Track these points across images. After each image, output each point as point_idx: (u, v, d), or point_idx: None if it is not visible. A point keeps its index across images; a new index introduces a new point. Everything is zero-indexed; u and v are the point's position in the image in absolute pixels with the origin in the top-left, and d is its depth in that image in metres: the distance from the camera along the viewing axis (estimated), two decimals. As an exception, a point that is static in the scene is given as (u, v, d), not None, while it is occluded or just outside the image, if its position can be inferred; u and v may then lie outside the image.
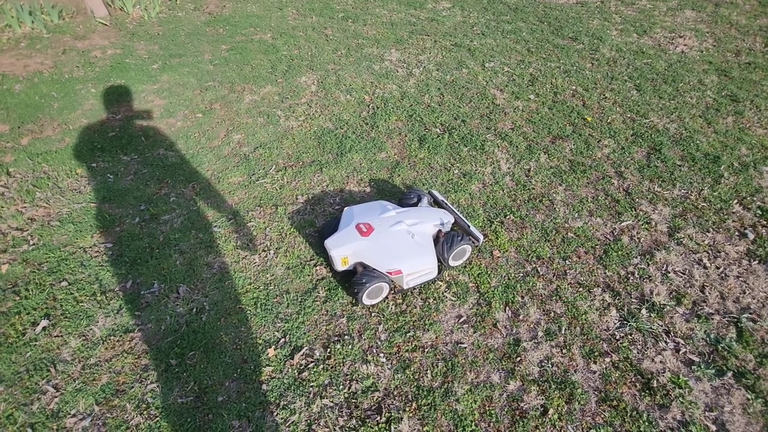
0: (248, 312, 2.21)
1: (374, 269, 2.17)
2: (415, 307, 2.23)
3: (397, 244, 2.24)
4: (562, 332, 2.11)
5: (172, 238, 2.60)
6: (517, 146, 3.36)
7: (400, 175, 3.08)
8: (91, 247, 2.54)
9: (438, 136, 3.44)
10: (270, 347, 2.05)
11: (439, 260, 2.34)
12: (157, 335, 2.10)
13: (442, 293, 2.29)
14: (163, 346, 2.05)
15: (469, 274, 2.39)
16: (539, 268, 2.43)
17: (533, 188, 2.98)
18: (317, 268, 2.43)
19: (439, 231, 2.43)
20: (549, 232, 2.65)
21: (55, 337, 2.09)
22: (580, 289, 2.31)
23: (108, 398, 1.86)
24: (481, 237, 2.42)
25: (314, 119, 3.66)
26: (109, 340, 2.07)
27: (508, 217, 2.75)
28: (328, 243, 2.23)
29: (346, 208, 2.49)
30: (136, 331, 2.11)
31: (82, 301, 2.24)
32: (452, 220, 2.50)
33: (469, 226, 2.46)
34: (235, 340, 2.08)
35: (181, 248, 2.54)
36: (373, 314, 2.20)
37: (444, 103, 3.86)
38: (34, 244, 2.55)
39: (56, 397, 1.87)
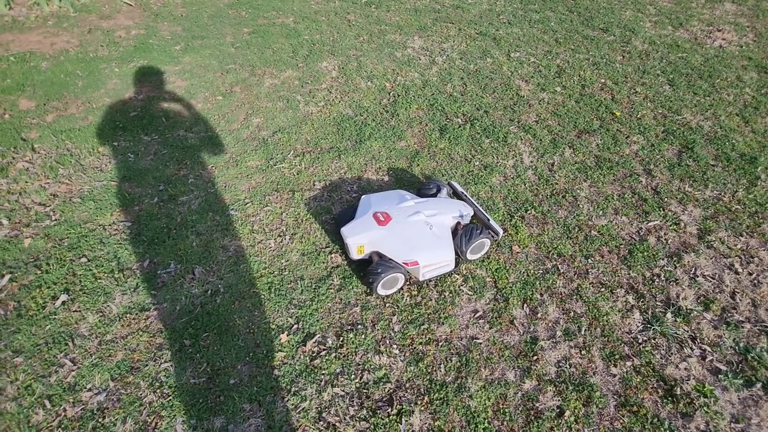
0: (262, 296, 2.20)
1: (390, 259, 2.13)
2: (431, 300, 2.18)
3: (414, 235, 2.19)
4: (582, 333, 2.04)
5: (190, 220, 2.61)
6: (541, 139, 3.25)
7: (420, 164, 3.02)
8: (110, 225, 2.56)
9: (459, 127, 3.36)
10: (283, 333, 2.04)
11: (456, 253, 2.28)
12: (172, 315, 2.11)
13: (459, 287, 2.24)
14: (177, 326, 2.06)
15: (486, 269, 2.33)
16: (560, 266, 2.35)
17: (556, 183, 2.88)
18: (332, 255, 2.40)
19: (458, 223, 2.37)
20: (571, 229, 2.56)
21: (73, 311, 2.12)
22: (602, 290, 2.24)
23: (123, 375, 1.88)
24: (501, 231, 2.36)
25: (334, 105, 3.61)
26: (126, 317, 2.09)
27: (529, 212, 2.67)
28: (345, 230, 2.20)
29: (363, 197, 2.45)
30: (151, 309, 2.13)
31: (100, 277, 2.27)
32: (471, 213, 2.44)
33: (488, 220, 2.40)
34: (248, 324, 2.08)
35: (198, 230, 2.55)
36: (387, 305, 2.16)
37: (466, 93, 3.77)
38: (56, 220, 2.58)
39: (73, 370, 1.89)
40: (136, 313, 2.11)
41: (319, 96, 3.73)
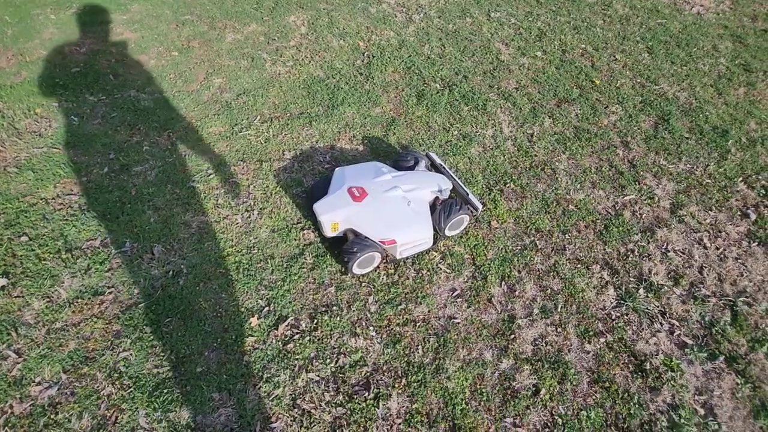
0: (230, 277, 2.06)
1: (366, 237, 2.02)
2: (408, 278, 2.12)
3: (391, 212, 2.08)
4: (558, 310, 2.05)
5: (146, 192, 2.38)
6: (521, 108, 3.15)
7: (396, 133, 2.87)
8: (54, 199, 2.30)
9: (437, 93, 3.19)
10: (253, 316, 1.93)
11: (434, 229, 2.20)
12: (130, 299, 1.95)
13: (437, 264, 2.18)
14: (136, 312, 1.90)
15: (465, 245, 2.27)
16: (538, 242, 2.32)
17: (536, 155, 2.81)
18: (304, 232, 2.27)
19: (437, 198, 2.27)
20: (550, 203, 2.52)
21: (15, 297, 1.91)
22: (579, 266, 2.23)
23: (76, 366, 1.74)
24: (480, 206, 2.28)
25: (303, 66, 3.34)
26: (77, 302, 1.91)
27: (508, 185, 2.60)
28: (318, 207, 2.06)
29: (337, 169, 2.30)
30: (106, 293, 1.96)
31: (45, 258, 2.05)
32: (450, 187, 2.34)
33: (468, 194, 2.31)
34: (215, 307, 1.95)
35: (156, 204, 2.33)
36: (363, 284, 2.08)
37: (445, 56, 3.57)
38: (-12, 193, 2.30)
39: (18, 363, 1.73)
40: (89, 298, 1.93)
41: (287, 55, 3.43)
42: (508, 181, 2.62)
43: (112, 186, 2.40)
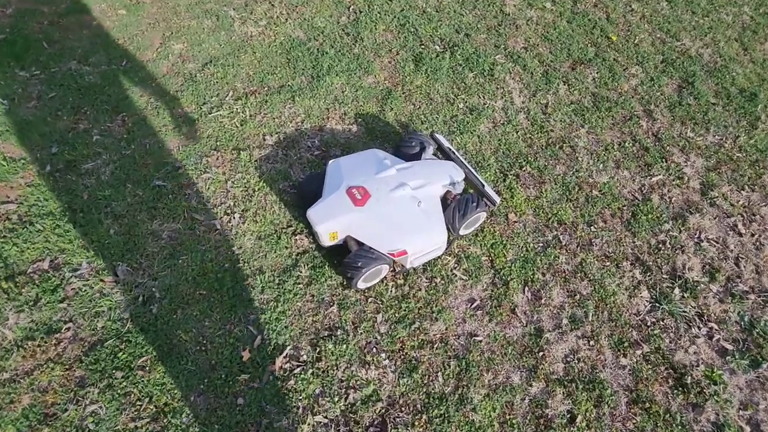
0: (212, 300, 1.75)
1: (371, 248, 1.71)
2: (420, 289, 1.85)
3: (400, 216, 1.77)
4: (589, 319, 1.83)
5: (101, 196, 1.99)
6: (532, 72, 2.77)
7: (393, 108, 2.48)
8: (-14, 209, 1.89)
9: (437, 56, 2.77)
10: (244, 349, 1.64)
11: (447, 227, 1.90)
12: (93, 335, 1.63)
13: (451, 271, 1.91)
14: (102, 352, 1.59)
15: (481, 245, 2.00)
16: (561, 237, 2.07)
17: (552, 130, 2.49)
18: (297, 237, 1.94)
19: (448, 192, 1.96)
20: (571, 189, 2.24)
21: (-52, 342, 1.57)
22: (607, 263, 2.00)
23: (34, 426, 1.45)
24: (498, 199, 1.99)
25: (279, 25, 2.83)
26: (27, 345, 1.58)
27: (524, 168, 2.30)
28: (313, 215, 1.73)
29: (331, 162, 1.94)
30: (63, 330, 1.63)
31: (-18, 289, 1.69)
32: (463, 177, 2.02)
33: (483, 185, 2.00)
34: (197, 339, 1.65)
35: (115, 210, 1.95)
36: (369, 299, 1.81)
37: (443, 9, 3.09)
38: None
39: (-39, 428, 1.43)
40: (42, 338, 1.61)
41: (258, 12, 2.90)
42: (524, 163, 2.31)
43: (57, 189, 1.99)
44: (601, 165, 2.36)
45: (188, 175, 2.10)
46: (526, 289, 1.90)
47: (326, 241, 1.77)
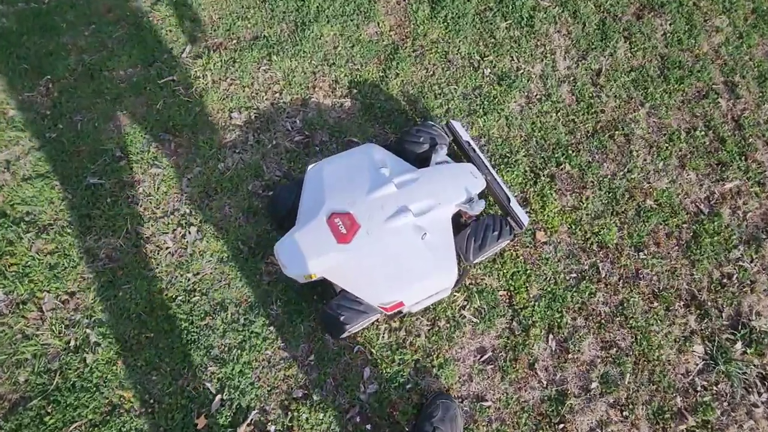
0: (162, 345, 1.42)
1: (358, 299, 1.32)
2: (419, 335, 1.50)
3: (397, 256, 1.34)
4: (625, 381, 1.49)
5: (17, 199, 1.56)
6: (584, 22, 2.11)
7: (400, 73, 1.91)
8: None
9: (462, -4, 2.09)
10: (199, 414, 1.35)
11: (457, 254, 1.48)
12: (14, 392, 1.33)
13: (459, 311, 1.53)
14: (25, 416, 1.31)
15: (499, 275, 1.60)
16: (601, 265, 1.65)
17: (602, 110, 1.93)
18: (268, 262, 1.55)
19: (464, 211, 1.51)
20: (620, 196, 1.76)
21: None
22: (655, 305, 1.61)
23: None
24: (526, 222, 1.54)
25: (253, -56, 2.12)
26: (-67, 404, 1.30)
27: (562, 166, 1.80)
28: (281, 254, 1.31)
29: (311, 169, 1.47)
30: (-23, 385, 1.33)
31: None
32: (483, 186, 1.54)
33: (509, 201, 1.54)
34: (143, 398, 1.36)
35: (38, 220, 1.54)
36: (356, 348, 1.47)
37: None
38: None
39: None
40: (-49, 396, 1.31)
41: None
42: (563, 158, 1.81)
43: (-34, 187, 1.56)
44: (662, 163, 1.85)
45: (132, 168, 1.65)
46: (551, 337, 1.53)
47: (300, 280, 1.37)
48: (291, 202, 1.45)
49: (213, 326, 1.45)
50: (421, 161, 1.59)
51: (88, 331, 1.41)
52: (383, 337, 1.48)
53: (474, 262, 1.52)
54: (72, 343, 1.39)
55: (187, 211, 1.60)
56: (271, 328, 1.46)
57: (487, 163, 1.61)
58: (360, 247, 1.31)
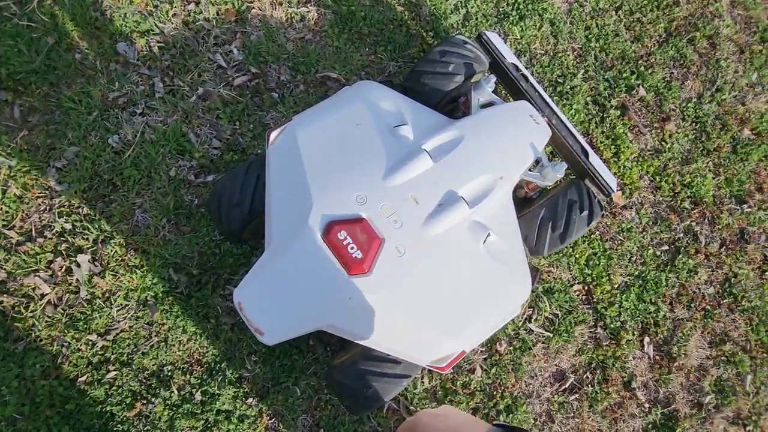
0: (66, 464, 0.84)
1: (390, 357, 0.79)
2: (473, 371, 1.02)
3: (453, 282, 0.79)
4: (746, 385, 1.12)
5: None
6: None
7: (389, -41, 1.20)
8: None
9: None
10: None
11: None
12: None
13: (524, 324, 1.05)
14: None
15: (568, 262, 1.11)
16: (698, 229, 1.20)
17: (676, 1, 1.36)
18: (223, 295, 0.95)
19: (527, 181, 0.96)
20: (710, 128, 1.27)
21: None
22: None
23: None
24: (614, 183, 1.01)
25: None
26: None
27: (634, 91, 1.25)
28: (251, 310, 0.72)
29: (276, 137, 0.82)
30: None
31: None
32: (549, 136, 0.98)
33: (586, 154, 1.00)
34: None
35: None
36: (385, 405, 0.97)
37: None
38: None
39: None
40: None
41: None
42: (633, 79, 1.26)
43: None
44: (755, 74, 1.35)
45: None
46: (647, 340, 1.11)
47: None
48: (248, 203, 0.82)
49: (150, 416, 0.88)
50: (448, 105, 0.99)
51: None
52: (422, 382, 0.99)
53: (546, 253, 1.00)
54: None
55: (67, 226, 0.93)
56: (250, 400, 0.92)
57: (548, 99, 1.03)
58: (388, 277, 0.74)
